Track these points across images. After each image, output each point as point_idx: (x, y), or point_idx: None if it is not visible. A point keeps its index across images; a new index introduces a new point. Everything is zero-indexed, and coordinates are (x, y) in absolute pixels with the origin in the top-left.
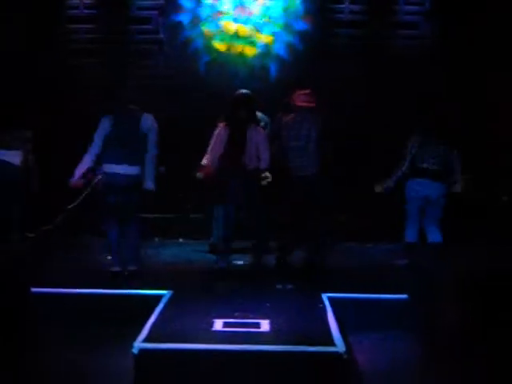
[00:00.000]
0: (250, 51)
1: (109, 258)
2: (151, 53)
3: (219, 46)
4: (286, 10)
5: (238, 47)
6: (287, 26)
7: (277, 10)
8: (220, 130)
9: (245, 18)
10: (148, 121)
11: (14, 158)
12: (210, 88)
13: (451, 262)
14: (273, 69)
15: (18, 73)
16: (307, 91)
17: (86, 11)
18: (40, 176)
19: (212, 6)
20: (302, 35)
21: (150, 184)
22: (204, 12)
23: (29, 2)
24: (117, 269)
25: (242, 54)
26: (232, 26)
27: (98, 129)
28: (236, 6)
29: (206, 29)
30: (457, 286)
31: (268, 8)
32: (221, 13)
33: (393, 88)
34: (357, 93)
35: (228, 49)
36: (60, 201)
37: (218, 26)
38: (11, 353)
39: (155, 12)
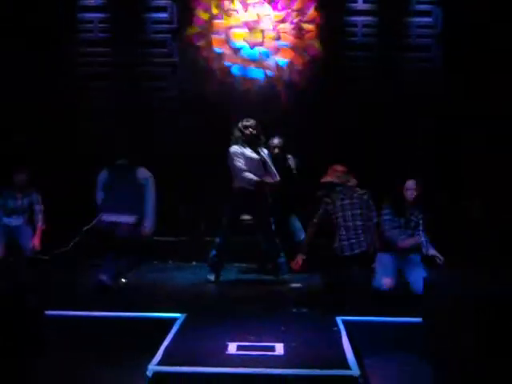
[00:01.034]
0: (261, 75)
1: (123, 280)
2: (165, 76)
3: (232, 68)
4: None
5: (251, 70)
6: (299, 52)
7: (288, 36)
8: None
9: (257, 43)
10: (143, 173)
11: None
12: (220, 111)
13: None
14: (284, 93)
15: (30, 98)
16: (341, 167)
17: (101, 35)
18: (53, 199)
19: (226, 31)
20: (314, 60)
21: (148, 225)
22: (218, 36)
23: (43, 26)
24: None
25: (254, 78)
26: (246, 50)
27: (97, 183)
28: (248, 32)
29: (220, 52)
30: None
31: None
32: (234, 36)
33: (403, 111)
34: (369, 117)
35: (241, 72)
36: (74, 223)
37: (231, 49)
38: (26, 375)
39: (169, 36)
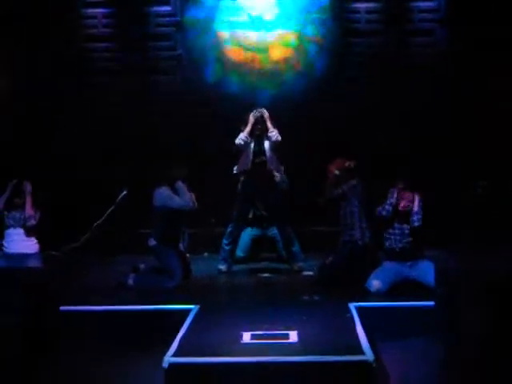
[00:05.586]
0: (265, 61)
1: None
2: (170, 69)
3: (235, 56)
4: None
5: (254, 56)
6: (303, 36)
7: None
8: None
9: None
10: (158, 195)
11: None
12: (225, 101)
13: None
14: (288, 79)
15: (33, 95)
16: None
17: (105, 30)
18: (64, 195)
19: (229, 21)
20: (319, 45)
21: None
22: (221, 28)
23: (46, 22)
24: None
25: (257, 64)
26: (247, 37)
27: None
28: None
29: (224, 45)
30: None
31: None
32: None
33: (407, 96)
34: (373, 102)
35: (244, 59)
36: (86, 218)
37: (233, 39)
38: (43, 371)
39: (173, 28)
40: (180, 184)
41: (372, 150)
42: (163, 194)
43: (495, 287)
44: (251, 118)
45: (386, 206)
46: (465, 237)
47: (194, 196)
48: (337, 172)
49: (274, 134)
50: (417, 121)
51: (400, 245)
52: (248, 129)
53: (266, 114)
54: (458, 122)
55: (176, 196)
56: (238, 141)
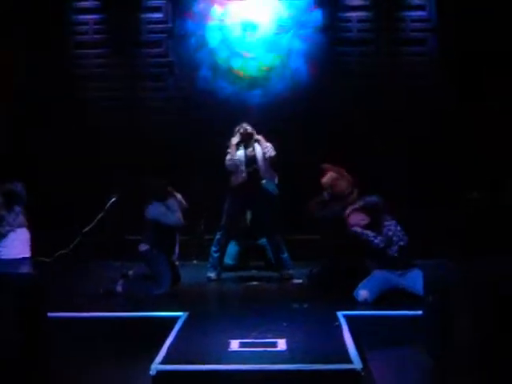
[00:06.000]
0: (257, 68)
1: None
2: (161, 75)
3: (226, 63)
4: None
5: (245, 64)
6: (295, 44)
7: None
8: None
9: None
10: (152, 209)
11: None
12: (215, 107)
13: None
14: (280, 86)
15: (25, 100)
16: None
17: (96, 36)
18: (54, 201)
19: (220, 29)
20: (310, 54)
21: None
22: (212, 35)
23: (37, 29)
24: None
25: (248, 72)
26: (239, 44)
27: None
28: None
29: (214, 51)
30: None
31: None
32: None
33: (400, 104)
34: (365, 111)
35: (235, 66)
36: (75, 225)
37: (227, 49)
38: (32, 377)
39: (164, 35)
40: (171, 202)
41: (364, 160)
42: (156, 211)
43: (488, 294)
44: (236, 137)
45: (381, 238)
46: (457, 245)
47: (182, 198)
48: (325, 195)
49: (268, 149)
50: (410, 130)
51: (391, 253)
52: (234, 148)
53: (250, 128)
54: (451, 130)
55: (169, 212)
56: (228, 163)
